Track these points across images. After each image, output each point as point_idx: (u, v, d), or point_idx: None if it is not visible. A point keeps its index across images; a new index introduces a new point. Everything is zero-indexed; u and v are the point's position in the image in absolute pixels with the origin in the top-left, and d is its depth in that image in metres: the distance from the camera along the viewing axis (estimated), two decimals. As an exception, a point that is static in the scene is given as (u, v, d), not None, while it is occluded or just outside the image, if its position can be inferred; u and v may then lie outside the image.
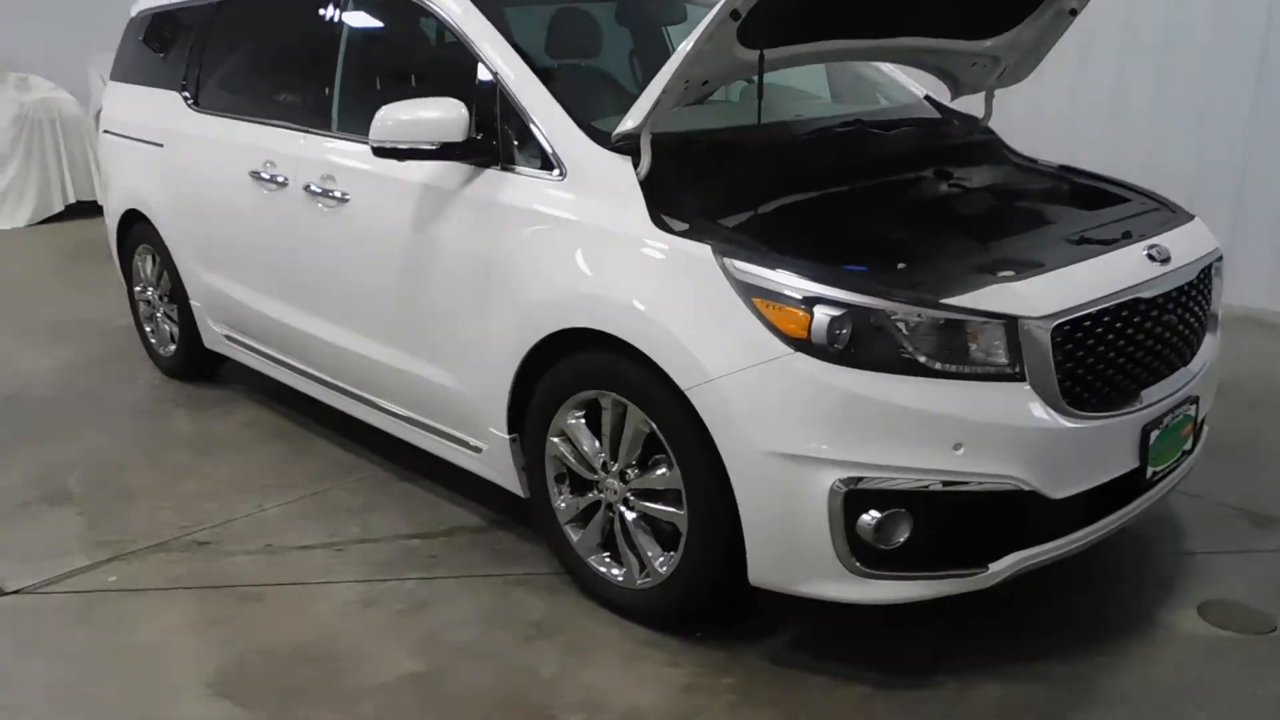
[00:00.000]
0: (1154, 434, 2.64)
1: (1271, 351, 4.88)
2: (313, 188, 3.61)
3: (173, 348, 4.83)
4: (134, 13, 5.08)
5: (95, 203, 9.18)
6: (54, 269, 7.54)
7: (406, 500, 3.60)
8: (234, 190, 4.01)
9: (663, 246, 2.63)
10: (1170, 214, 3.12)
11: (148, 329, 5.02)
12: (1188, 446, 2.87)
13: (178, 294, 4.61)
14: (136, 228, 4.80)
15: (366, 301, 3.49)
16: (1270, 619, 2.79)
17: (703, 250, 2.55)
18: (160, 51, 4.81)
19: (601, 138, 2.86)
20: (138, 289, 5.00)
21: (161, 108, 4.58)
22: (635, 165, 2.75)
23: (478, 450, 3.22)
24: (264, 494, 3.69)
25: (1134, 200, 3.24)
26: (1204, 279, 2.92)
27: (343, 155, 3.54)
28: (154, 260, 4.77)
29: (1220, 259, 3.05)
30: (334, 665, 2.71)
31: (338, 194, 3.51)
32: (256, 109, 4.05)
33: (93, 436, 4.27)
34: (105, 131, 5.04)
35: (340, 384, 3.75)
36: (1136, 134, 5.77)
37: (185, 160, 4.38)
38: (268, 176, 3.83)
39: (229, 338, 4.38)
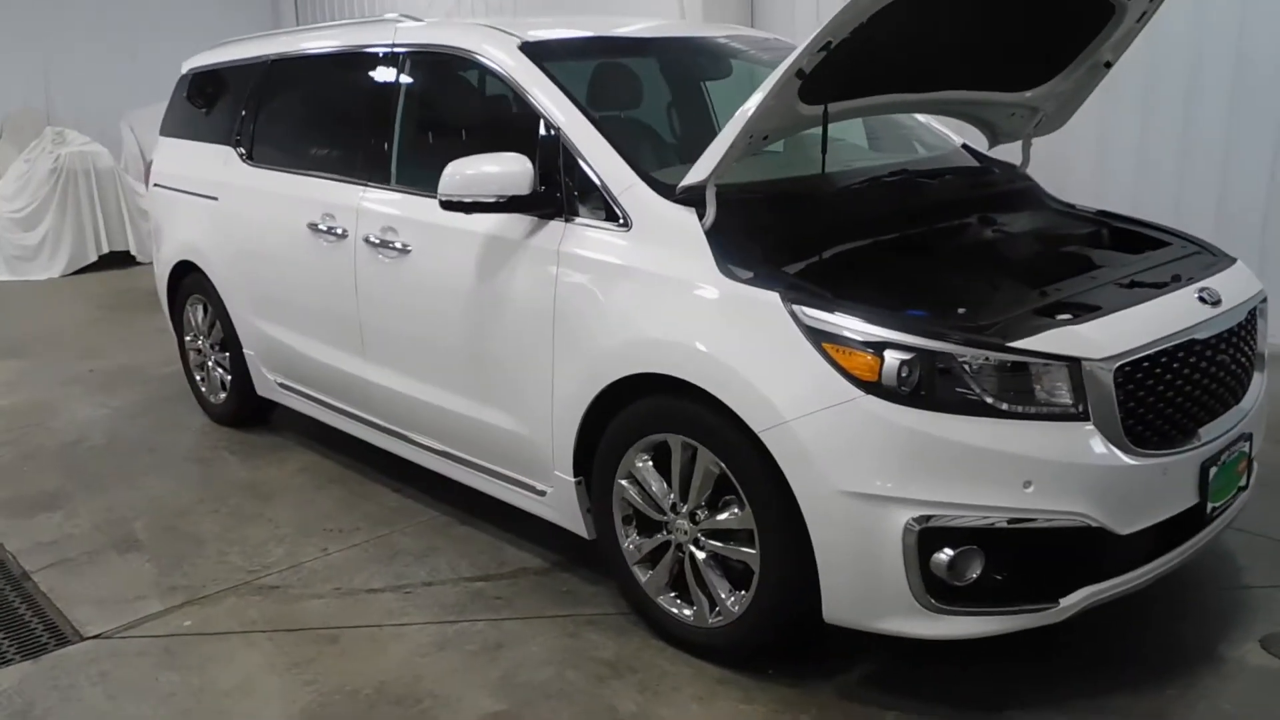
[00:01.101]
0: (1212, 470, 2.71)
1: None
2: (372, 239, 3.72)
3: (224, 395, 4.93)
4: (184, 70, 5.24)
5: (129, 254, 9.38)
6: (93, 319, 7.65)
7: (468, 543, 3.68)
8: (291, 242, 4.12)
9: (731, 294, 2.72)
10: (1213, 257, 3.22)
11: (198, 377, 5.12)
12: (1243, 483, 2.94)
13: (230, 343, 4.71)
14: (189, 278, 4.92)
15: (429, 348, 3.58)
16: (1333, 651, 2.85)
17: (771, 297, 2.64)
18: (212, 107, 4.95)
19: (664, 189, 2.96)
20: (188, 338, 5.11)
21: (215, 162, 4.71)
22: (699, 216, 2.85)
23: (542, 494, 3.29)
24: (327, 538, 3.77)
25: (1175, 244, 3.34)
26: (1251, 320, 3.01)
27: (404, 208, 3.65)
28: (205, 310, 4.88)
29: (1265, 300, 3.14)
30: (417, 705, 2.77)
31: (399, 245, 3.62)
32: (313, 164, 4.17)
33: (152, 483, 4.37)
34: (156, 185, 5.17)
35: (400, 430, 3.84)
36: (1161, 180, 5.89)
37: (241, 213, 4.50)
38: (326, 229, 3.94)
39: (283, 385, 4.47)
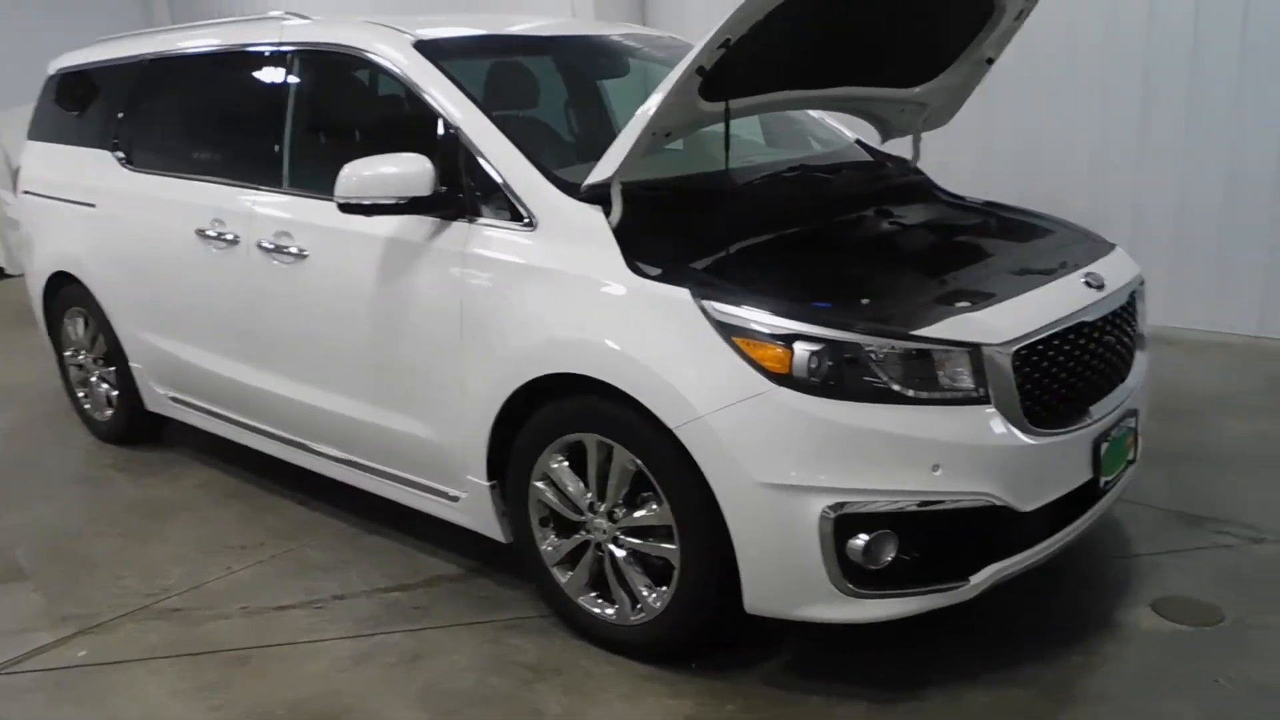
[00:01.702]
0: (1104, 446, 2.84)
1: (1178, 364, 5.22)
2: (266, 244, 3.61)
3: (110, 412, 4.73)
4: (52, 71, 5.00)
5: (-1, 267, 8.92)
6: (-44, 336, 7.23)
7: (379, 553, 3.60)
8: (179, 249, 3.97)
9: (641, 291, 2.72)
10: (1094, 243, 3.37)
11: (81, 394, 4.90)
12: (1131, 456, 3.08)
13: (115, 356, 4.52)
14: (66, 289, 4.70)
15: (332, 356, 3.49)
16: (1218, 610, 3.01)
17: (681, 293, 2.66)
18: (84, 110, 4.74)
19: (568, 188, 2.95)
20: (68, 353, 4.89)
21: (91, 167, 4.51)
22: (605, 214, 2.85)
23: (455, 499, 3.25)
24: (230, 556, 3.65)
25: (1059, 232, 3.48)
26: (1132, 302, 3.16)
27: (298, 211, 3.56)
28: (87, 323, 4.67)
29: (1143, 283, 3.30)
30: (336, 722, 2.71)
31: (295, 250, 3.52)
32: (199, 167, 4.03)
33: (36, 507, 4.16)
34: (26, 192, 4.92)
35: (303, 440, 3.74)
36: (1040, 171, 6.14)
37: (122, 220, 4.32)
38: (215, 235, 3.81)
39: (175, 399, 4.31)
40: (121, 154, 4.40)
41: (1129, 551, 3.38)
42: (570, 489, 2.92)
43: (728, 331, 2.58)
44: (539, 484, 2.98)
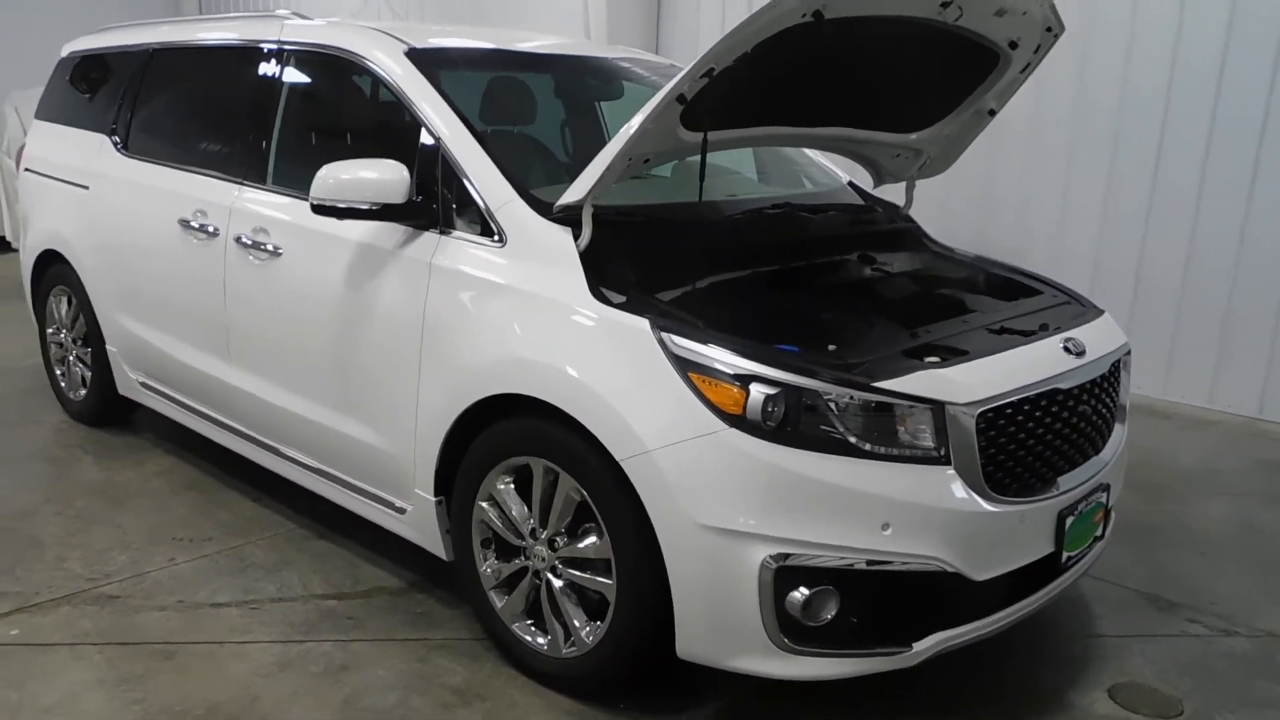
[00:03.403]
0: (1069, 520, 2.73)
1: (1167, 439, 5.10)
2: (244, 239, 3.58)
3: (84, 392, 4.71)
4: (64, 53, 5.02)
5: (5, 240, 8.94)
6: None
7: (323, 558, 3.54)
8: (161, 237, 3.95)
9: (601, 318, 2.66)
10: (1081, 308, 3.27)
11: (58, 372, 4.89)
12: (1099, 532, 2.98)
13: (93, 338, 4.50)
14: (54, 268, 4.69)
15: (295, 356, 3.45)
16: (1177, 702, 2.88)
17: (641, 324, 2.59)
18: (89, 93, 4.74)
19: (542, 207, 2.90)
20: (50, 330, 4.88)
21: (88, 150, 4.51)
22: (575, 236, 2.79)
23: (401, 511, 3.18)
24: (176, 547, 3.60)
25: (1046, 293, 3.39)
26: (1114, 372, 3.06)
27: (277, 209, 3.53)
28: (70, 302, 4.67)
29: (1129, 353, 3.20)
30: (248, 731, 2.64)
31: (270, 247, 3.49)
32: (189, 158, 4.01)
33: (-3, 481, 4.12)
34: (27, 170, 4.93)
35: (261, 437, 3.69)
36: (1042, 230, 6.05)
37: (111, 204, 4.31)
38: (197, 226, 3.78)
39: (145, 385, 4.28)
40: (118, 139, 4.40)
41: (1092, 631, 3.26)
42: (514, 512, 2.85)
43: (684, 366, 2.50)
44: (484, 504, 2.91)
